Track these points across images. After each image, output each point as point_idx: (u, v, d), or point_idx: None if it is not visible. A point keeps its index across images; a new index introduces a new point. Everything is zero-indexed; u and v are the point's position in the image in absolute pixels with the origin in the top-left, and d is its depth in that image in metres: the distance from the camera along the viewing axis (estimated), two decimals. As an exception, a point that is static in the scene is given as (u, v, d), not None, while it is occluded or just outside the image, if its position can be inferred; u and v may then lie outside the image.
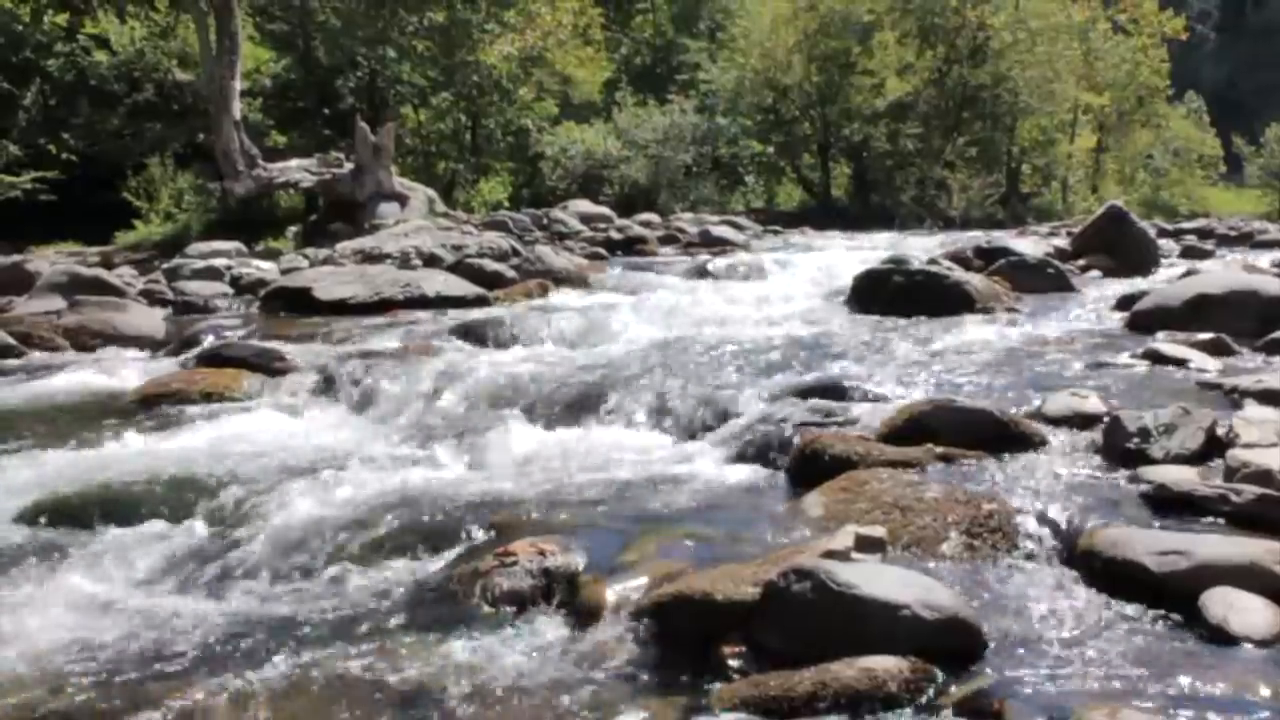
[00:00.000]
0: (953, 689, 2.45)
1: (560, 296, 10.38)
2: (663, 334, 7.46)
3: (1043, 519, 3.41)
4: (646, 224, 19.36)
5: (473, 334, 7.69)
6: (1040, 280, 9.31)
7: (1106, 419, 4.20)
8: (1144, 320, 7.02)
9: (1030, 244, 12.38)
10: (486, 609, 3.17)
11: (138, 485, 4.41)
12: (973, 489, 3.64)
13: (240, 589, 3.49)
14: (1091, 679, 2.49)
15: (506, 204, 25.55)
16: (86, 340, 8.51)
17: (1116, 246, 11.04)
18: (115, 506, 4.24)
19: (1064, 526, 3.35)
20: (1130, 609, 2.86)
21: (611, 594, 3.09)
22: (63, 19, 23.03)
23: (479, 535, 3.71)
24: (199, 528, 4.06)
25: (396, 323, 8.58)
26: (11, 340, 8.14)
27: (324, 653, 2.94)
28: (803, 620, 2.64)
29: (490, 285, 10.41)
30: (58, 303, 9.73)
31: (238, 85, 18.16)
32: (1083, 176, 42.17)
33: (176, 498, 4.30)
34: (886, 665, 2.46)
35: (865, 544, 3.06)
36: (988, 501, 3.48)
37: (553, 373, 6.13)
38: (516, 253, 12.62)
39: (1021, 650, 2.66)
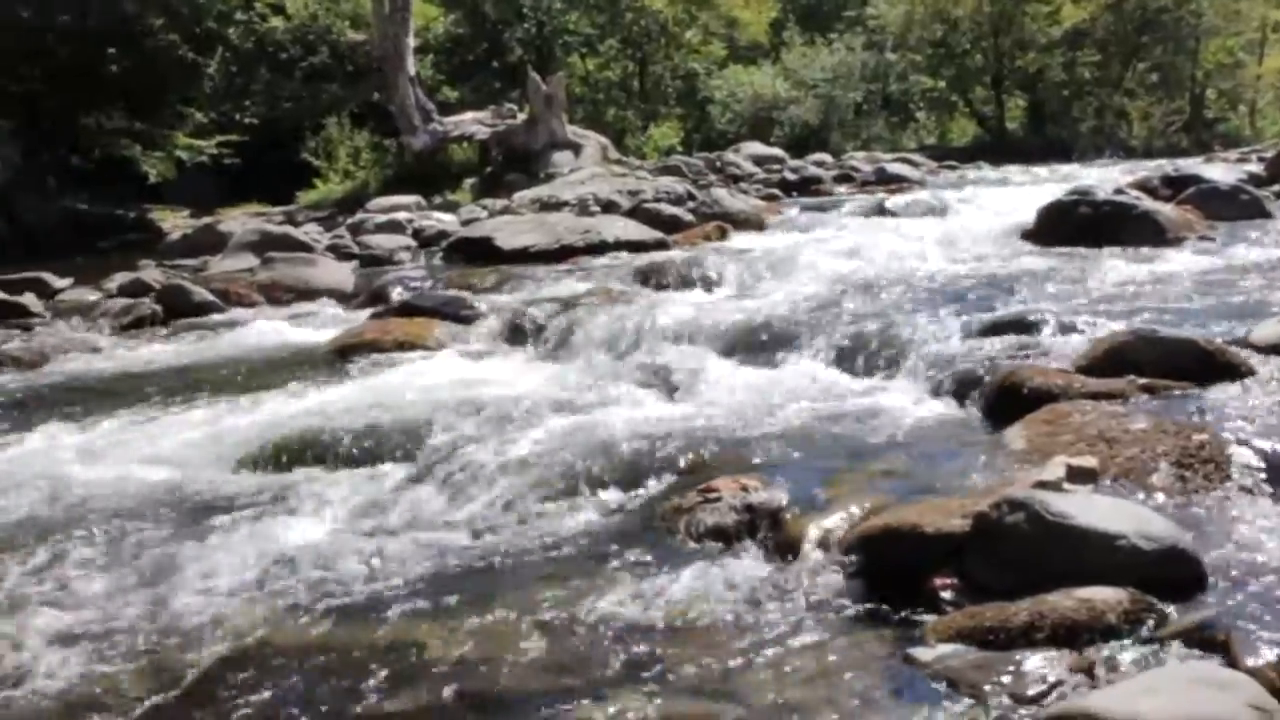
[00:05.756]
0: (1175, 620, 2.40)
1: (739, 238, 10.32)
2: (846, 273, 7.38)
3: (1257, 450, 3.28)
4: (820, 164, 19.09)
5: (655, 277, 7.74)
6: (1234, 208, 8.92)
7: (1320, 345, 4.03)
8: (1353, 243, 6.71)
9: (1221, 171, 11.87)
10: (691, 545, 3.23)
11: (342, 432, 4.56)
12: (1180, 420, 3.52)
13: (443, 527, 3.61)
14: (1321, 611, 2.41)
15: (679, 148, 25.58)
16: (280, 295, 8.87)
17: (1316, 169, 10.55)
18: (323, 451, 4.42)
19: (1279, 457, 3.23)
20: (1357, 539, 2.76)
21: (815, 529, 3.11)
22: (240, -12, 23.80)
23: (678, 473, 3.77)
24: (402, 470, 4.20)
25: (578, 269, 8.68)
26: (212, 297, 8.53)
27: (526, 588, 3.03)
28: (1016, 551, 2.61)
29: (669, 229, 10.42)
30: (250, 260, 10.09)
31: (411, 42, 18.52)
32: (1272, 99, 40.02)
33: (379, 443, 4.45)
34: (1105, 596, 2.42)
35: (1077, 475, 3.00)
36: (1197, 432, 3.37)
37: (738, 313, 6.13)
38: (692, 196, 12.60)
39: (1244, 582, 2.58)
